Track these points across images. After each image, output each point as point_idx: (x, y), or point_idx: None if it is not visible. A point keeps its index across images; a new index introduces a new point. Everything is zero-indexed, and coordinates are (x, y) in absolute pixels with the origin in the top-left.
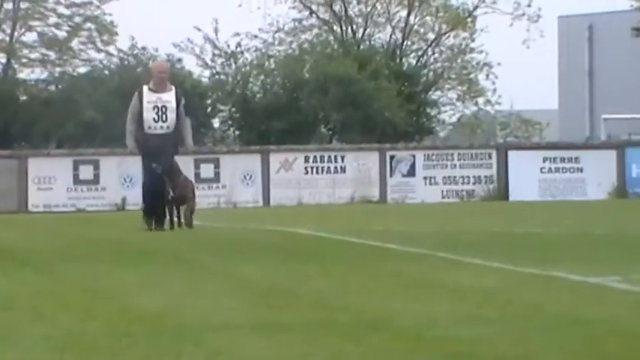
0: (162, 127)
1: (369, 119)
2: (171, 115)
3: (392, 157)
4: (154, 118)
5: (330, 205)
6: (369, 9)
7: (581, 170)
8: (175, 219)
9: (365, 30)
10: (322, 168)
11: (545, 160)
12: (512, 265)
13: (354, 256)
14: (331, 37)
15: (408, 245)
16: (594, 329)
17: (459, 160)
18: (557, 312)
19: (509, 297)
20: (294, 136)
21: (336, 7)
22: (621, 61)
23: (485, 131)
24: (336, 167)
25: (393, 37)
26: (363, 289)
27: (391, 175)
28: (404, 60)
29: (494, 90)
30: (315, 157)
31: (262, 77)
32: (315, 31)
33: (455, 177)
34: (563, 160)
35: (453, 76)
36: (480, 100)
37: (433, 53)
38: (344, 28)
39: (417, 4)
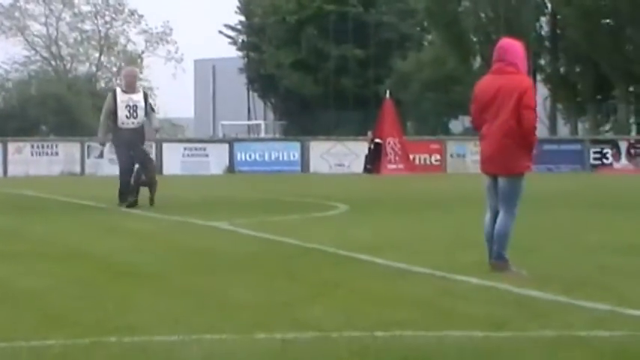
0: (133, 123)
1: (75, 122)
2: (141, 113)
3: (89, 147)
4: (126, 115)
5: (47, 176)
6: (74, 51)
7: (207, 155)
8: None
9: (72, 64)
10: (42, 152)
11: (185, 149)
12: (161, 215)
13: (69, 210)
14: (50, 68)
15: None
16: (207, 256)
17: None
18: (190, 245)
19: (169, 236)
20: (25, 131)
21: (53, 49)
22: (232, 88)
23: None
24: (51, 152)
25: (91, 69)
26: (73, 231)
27: (88, 157)
28: (98, 84)
29: (154, 104)
30: (38, 145)
31: (3, 94)
32: (39, 63)
33: None
34: (197, 149)
35: None
36: None
37: (117, 80)
38: (58, 62)
39: (105, 49)
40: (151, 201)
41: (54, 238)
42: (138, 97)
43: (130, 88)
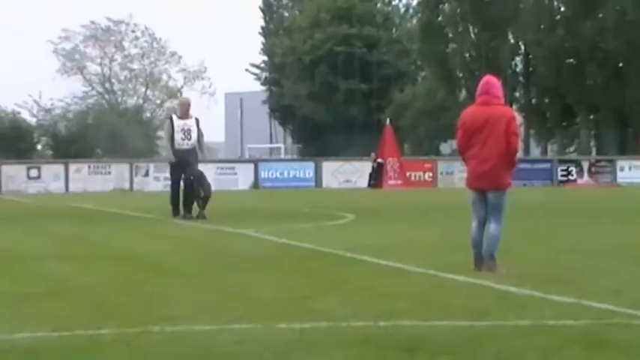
0: (187, 144)
1: (125, 146)
2: (194, 135)
3: (137, 167)
4: (181, 137)
5: (101, 192)
6: (124, 87)
7: (236, 173)
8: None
9: (122, 98)
10: (98, 171)
11: (217, 168)
12: (209, 225)
13: (120, 219)
14: (104, 101)
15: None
16: (235, 258)
17: None
18: (222, 248)
19: (204, 241)
20: (84, 154)
21: (107, 85)
22: (257, 116)
23: None
24: (105, 171)
25: (138, 101)
26: (123, 237)
27: (136, 176)
28: (144, 114)
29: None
30: (94, 165)
31: (65, 123)
32: (95, 97)
33: None
34: (227, 168)
35: None
36: None
37: (160, 110)
38: (111, 96)
39: (150, 84)
40: (202, 215)
41: (106, 243)
42: (191, 122)
43: (184, 115)
